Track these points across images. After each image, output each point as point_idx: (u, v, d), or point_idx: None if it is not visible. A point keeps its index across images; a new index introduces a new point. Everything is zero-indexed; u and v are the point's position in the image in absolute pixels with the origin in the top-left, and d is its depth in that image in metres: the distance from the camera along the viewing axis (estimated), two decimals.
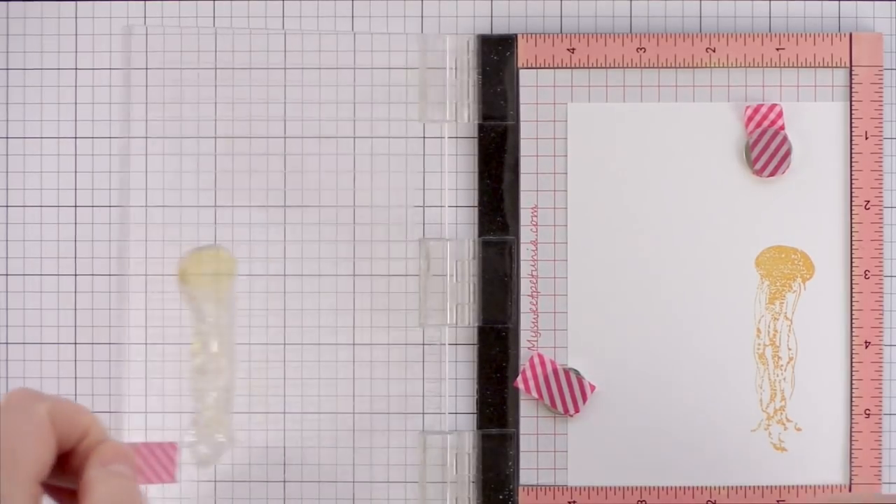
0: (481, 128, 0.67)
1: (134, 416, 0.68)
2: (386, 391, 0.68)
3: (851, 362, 0.67)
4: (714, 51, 0.67)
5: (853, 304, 0.67)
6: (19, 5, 0.69)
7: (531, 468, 0.67)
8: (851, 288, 0.67)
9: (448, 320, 0.67)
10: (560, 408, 0.67)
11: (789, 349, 0.66)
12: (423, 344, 0.68)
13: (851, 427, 0.66)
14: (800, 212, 0.67)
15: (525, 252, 0.67)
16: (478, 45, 0.67)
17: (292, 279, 0.68)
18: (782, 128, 0.67)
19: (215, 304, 0.66)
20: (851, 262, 0.67)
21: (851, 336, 0.67)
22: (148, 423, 0.68)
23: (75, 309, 0.68)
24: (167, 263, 0.68)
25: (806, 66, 0.67)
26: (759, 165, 0.67)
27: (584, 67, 0.67)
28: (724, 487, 0.67)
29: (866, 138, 0.67)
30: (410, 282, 0.68)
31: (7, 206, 0.68)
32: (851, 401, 0.67)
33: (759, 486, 0.67)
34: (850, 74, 0.67)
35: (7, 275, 0.68)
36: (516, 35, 0.67)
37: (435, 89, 0.68)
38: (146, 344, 0.68)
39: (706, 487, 0.67)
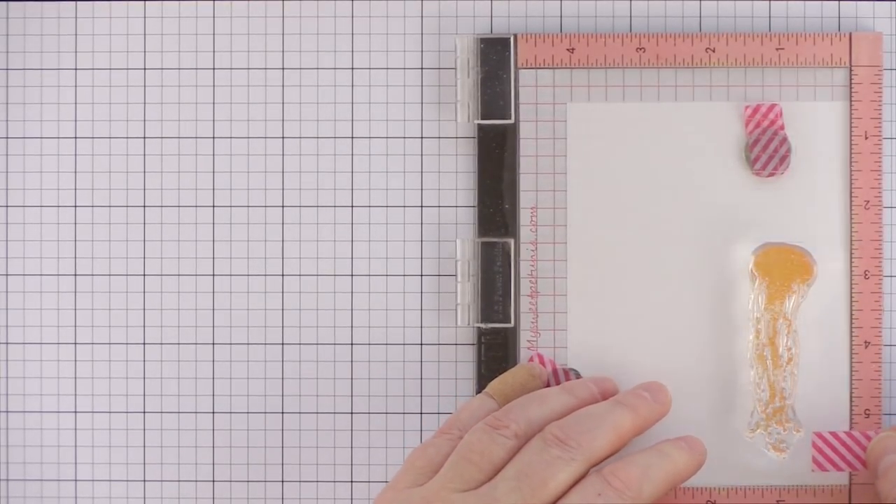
0: (481, 128, 0.67)
1: (135, 417, 0.68)
2: (384, 391, 0.68)
3: (851, 362, 0.67)
4: (714, 51, 0.67)
5: (853, 304, 0.67)
6: (19, 5, 0.69)
7: None
8: (851, 288, 0.67)
9: (459, 321, 0.67)
10: None
11: (789, 349, 0.66)
12: (422, 344, 0.68)
13: (851, 427, 0.66)
14: (799, 212, 0.67)
15: (525, 252, 0.67)
16: (477, 45, 0.67)
17: (290, 279, 0.68)
18: (782, 128, 0.67)
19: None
20: (851, 262, 0.67)
21: (851, 336, 0.67)
22: (148, 423, 0.68)
23: (75, 309, 0.68)
24: (165, 263, 0.68)
25: (805, 66, 0.67)
26: (758, 165, 0.67)
27: (583, 67, 0.67)
28: (723, 487, 0.66)
29: (866, 138, 0.67)
30: (409, 282, 0.68)
31: (7, 207, 0.68)
32: (851, 401, 0.66)
33: (758, 487, 0.66)
34: (850, 74, 0.67)
35: (7, 275, 0.68)
36: (516, 35, 0.67)
37: (434, 89, 0.68)
38: (147, 343, 0.68)
39: (706, 487, 0.67)
